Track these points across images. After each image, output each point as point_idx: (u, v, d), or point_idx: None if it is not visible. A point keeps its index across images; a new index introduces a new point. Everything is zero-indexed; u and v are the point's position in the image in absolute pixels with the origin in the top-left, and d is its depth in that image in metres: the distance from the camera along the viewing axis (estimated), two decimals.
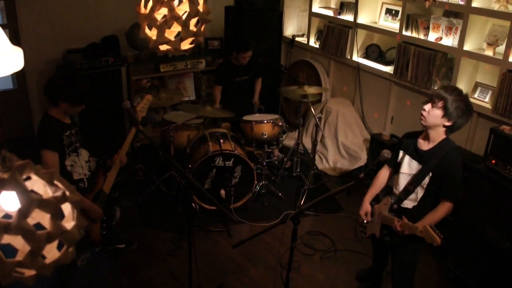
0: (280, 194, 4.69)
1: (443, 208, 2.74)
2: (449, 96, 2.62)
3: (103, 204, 3.16)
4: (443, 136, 2.75)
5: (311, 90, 4.63)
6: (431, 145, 2.77)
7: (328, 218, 4.44)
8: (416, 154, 2.83)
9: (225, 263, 3.82)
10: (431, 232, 2.56)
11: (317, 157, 5.25)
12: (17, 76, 5.34)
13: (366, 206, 3.07)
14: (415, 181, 2.81)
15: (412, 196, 2.85)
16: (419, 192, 2.82)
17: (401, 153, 2.95)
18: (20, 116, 5.55)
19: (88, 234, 3.13)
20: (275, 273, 3.69)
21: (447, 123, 2.68)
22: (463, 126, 2.71)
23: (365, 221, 3.12)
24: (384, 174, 3.10)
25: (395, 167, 2.98)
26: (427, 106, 2.70)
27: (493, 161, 3.36)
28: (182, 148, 4.50)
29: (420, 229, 2.62)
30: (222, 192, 4.24)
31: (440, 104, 2.64)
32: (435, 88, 2.63)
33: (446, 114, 2.65)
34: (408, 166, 2.86)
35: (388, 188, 3.08)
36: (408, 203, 2.88)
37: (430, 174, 2.75)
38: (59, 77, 3.15)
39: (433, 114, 2.68)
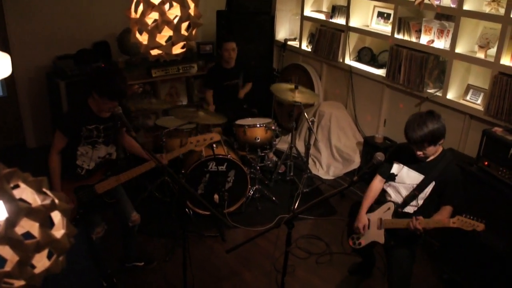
0: (274, 198, 4.66)
1: (446, 211, 2.81)
2: (426, 135, 2.70)
3: (85, 199, 3.10)
4: (441, 149, 2.89)
5: (302, 97, 4.53)
6: (433, 157, 2.87)
7: (322, 221, 4.42)
8: (416, 165, 2.91)
9: (220, 268, 3.79)
10: (468, 220, 2.64)
11: (310, 160, 5.24)
12: (7, 83, 5.29)
13: (364, 219, 3.08)
14: (419, 188, 2.89)
15: (413, 202, 2.92)
16: (420, 199, 2.91)
17: (396, 165, 3.01)
18: (10, 123, 5.50)
19: None
20: (270, 277, 3.67)
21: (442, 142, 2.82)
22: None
23: (361, 232, 3.11)
24: (377, 185, 3.13)
25: (389, 178, 3.04)
26: (419, 152, 2.81)
27: (486, 163, 3.37)
28: None
29: (454, 221, 2.67)
30: (216, 197, 4.22)
31: (426, 145, 2.75)
32: (411, 131, 2.76)
33: (437, 143, 2.78)
34: (407, 177, 2.94)
35: (379, 199, 3.12)
36: (409, 208, 2.95)
37: (433, 183, 2.84)
38: (99, 68, 3.09)
39: (427, 151, 2.79)
